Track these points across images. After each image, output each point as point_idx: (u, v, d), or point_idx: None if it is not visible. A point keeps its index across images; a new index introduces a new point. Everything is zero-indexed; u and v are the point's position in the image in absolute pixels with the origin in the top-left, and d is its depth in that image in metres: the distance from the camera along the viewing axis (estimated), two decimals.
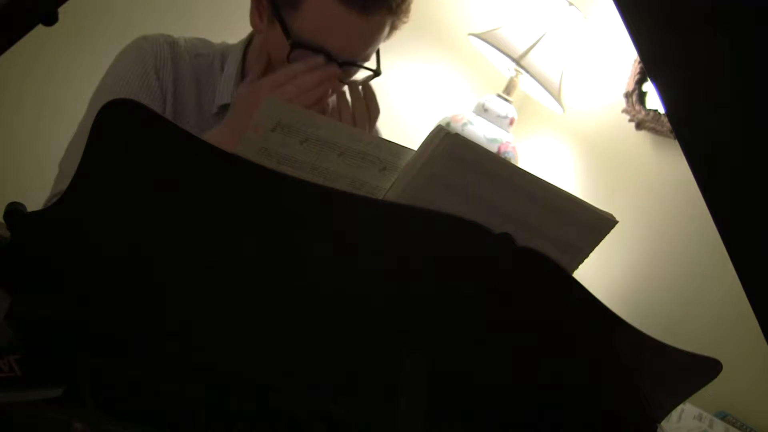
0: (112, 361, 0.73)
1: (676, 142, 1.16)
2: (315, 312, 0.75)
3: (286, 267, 0.72)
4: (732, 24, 0.60)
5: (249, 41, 1.33)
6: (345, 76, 1.20)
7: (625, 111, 2.10)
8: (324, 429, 0.80)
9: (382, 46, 1.25)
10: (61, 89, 1.99)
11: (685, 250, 1.86)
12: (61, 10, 0.71)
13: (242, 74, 1.29)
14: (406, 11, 1.18)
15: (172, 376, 0.75)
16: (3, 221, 0.66)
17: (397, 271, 0.73)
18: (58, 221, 0.66)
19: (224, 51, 1.33)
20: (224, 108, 1.28)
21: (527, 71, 2.14)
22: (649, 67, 0.69)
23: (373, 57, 1.23)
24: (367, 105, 1.20)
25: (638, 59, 2.06)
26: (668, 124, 1.95)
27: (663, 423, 0.88)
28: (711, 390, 0.84)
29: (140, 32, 1.34)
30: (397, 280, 0.74)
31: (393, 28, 1.20)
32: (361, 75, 1.24)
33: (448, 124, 2.18)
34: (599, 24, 2.27)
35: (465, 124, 2.17)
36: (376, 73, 1.23)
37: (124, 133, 0.64)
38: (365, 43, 1.18)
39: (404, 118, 2.36)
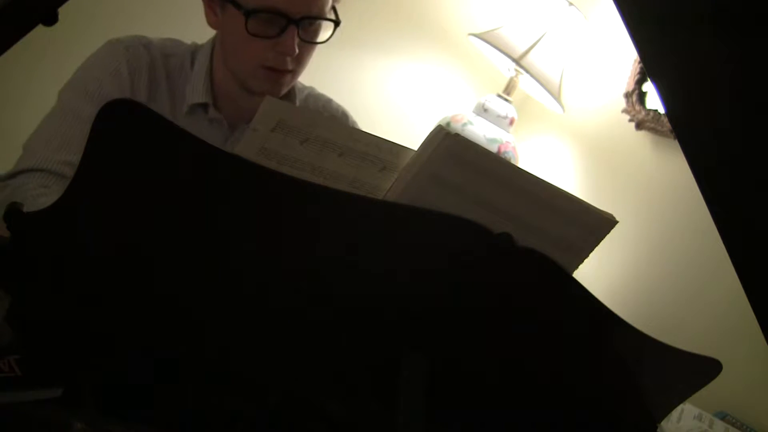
0: (112, 361, 0.73)
1: (676, 142, 1.16)
2: (315, 312, 0.75)
3: (286, 267, 0.72)
4: (732, 24, 0.60)
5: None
6: (307, 35, 1.22)
7: (625, 111, 2.10)
8: (324, 429, 0.80)
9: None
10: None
11: (685, 250, 1.86)
12: (61, 10, 0.71)
13: (211, 73, 1.30)
14: None
15: (173, 375, 0.75)
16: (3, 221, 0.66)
17: (397, 271, 0.73)
18: (57, 221, 0.66)
19: (194, 50, 1.34)
20: (194, 107, 1.29)
21: (527, 71, 2.14)
22: (649, 67, 0.69)
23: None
24: None
25: (638, 59, 2.05)
26: (668, 124, 1.95)
27: (663, 423, 0.88)
28: (711, 390, 0.84)
29: (140, 32, 1.34)
30: (397, 280, 0.74)
31: None
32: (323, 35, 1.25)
33: (448, 124, 2.18)
34: (599, 24, 2.27)
35: (465, 124, 2.17)
36: (336, 23, 1.24)
37: (123, 133, 0.64)
38: None
39: (404, 118, 2.36)
